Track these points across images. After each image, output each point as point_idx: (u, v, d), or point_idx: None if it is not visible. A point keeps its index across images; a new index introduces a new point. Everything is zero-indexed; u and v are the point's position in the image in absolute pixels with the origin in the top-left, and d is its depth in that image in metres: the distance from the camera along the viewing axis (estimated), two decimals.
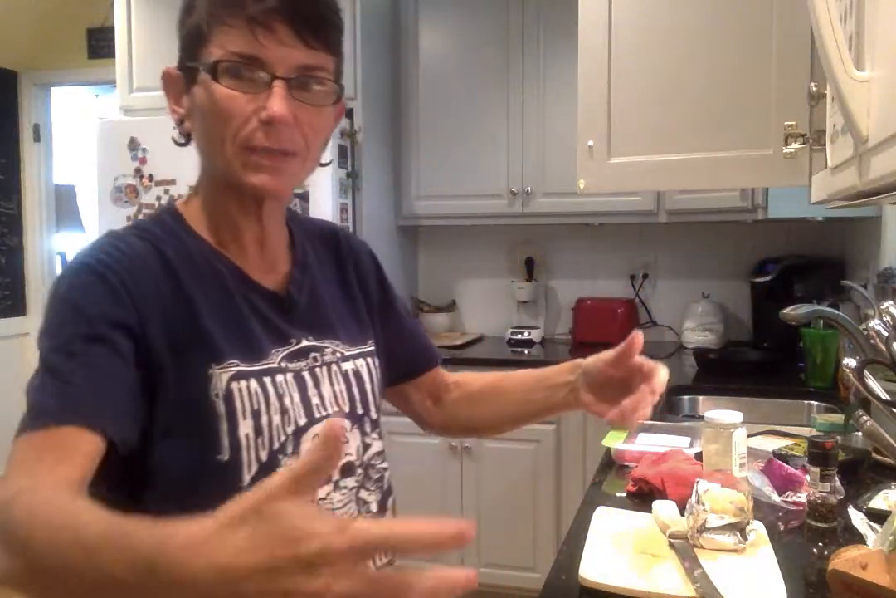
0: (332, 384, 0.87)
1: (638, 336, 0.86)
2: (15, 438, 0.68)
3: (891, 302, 1.14)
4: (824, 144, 1.03)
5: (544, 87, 2.99)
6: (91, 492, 0.78)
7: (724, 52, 1.38)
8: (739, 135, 1.36)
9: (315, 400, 0.85)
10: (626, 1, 1.45)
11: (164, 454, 0.77)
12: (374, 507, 0.89)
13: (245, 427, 0.78)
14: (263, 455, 0.79)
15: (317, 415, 0.84)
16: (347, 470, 0.87)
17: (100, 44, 3.69)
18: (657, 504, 1.14)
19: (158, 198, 2.69)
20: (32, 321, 3.97)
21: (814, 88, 1.17)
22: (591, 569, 0.99)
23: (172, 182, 2.66)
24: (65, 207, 4.46)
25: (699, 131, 1.41)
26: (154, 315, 0.76)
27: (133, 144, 2.72)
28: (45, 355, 0.72)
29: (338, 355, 0.89)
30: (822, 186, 1.04)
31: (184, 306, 0.78)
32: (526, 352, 3.02)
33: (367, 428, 0.90)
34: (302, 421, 0.83)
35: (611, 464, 1.49)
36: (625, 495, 1.31)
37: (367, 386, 0.91)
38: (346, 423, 0.87)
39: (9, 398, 3.81)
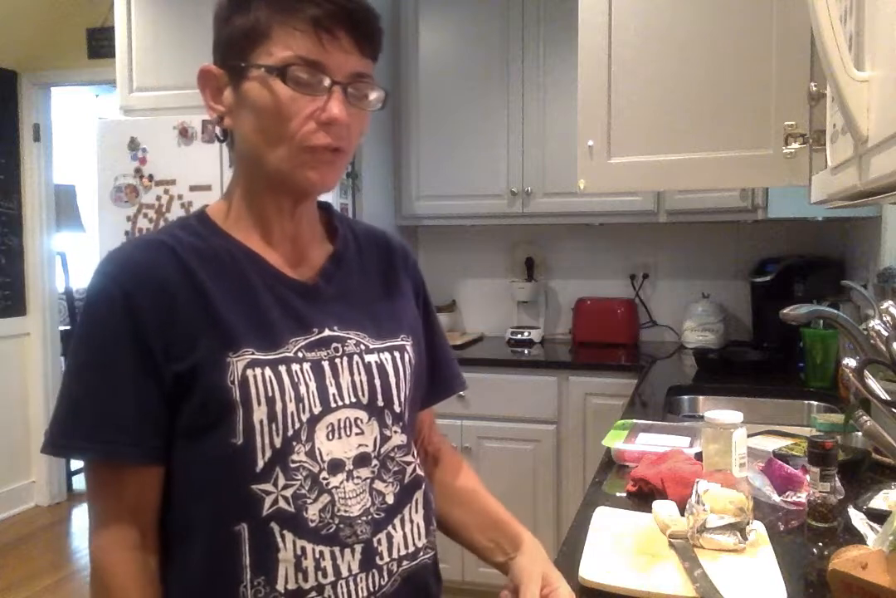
0: (351, 375, 0.88)
1: None
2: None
3: (891, 302, 1.14)
4: (824, 144, 1.03)
5: (544, 86, 2.99)
6: None
7: (724, 52, 1.38)
8: (739, 135, 1.36)
9: (332, 389, 0.86)
10: (626, 1, 1.45)
11: (185, 446, 0.83)
12: (390, 498, 0.89)
13: (259, 413, 0.81)
14: (277, 442, 0.81)
15: (332, 405, 0.86)
16: (362, 461, 0.87)
17: (100, 44, 3.69)
18: (657, 504, 1.14)
19: (158, 198, 2.68)
20: (32, 321, 3.97)
21: (814, 88, 1.17)
22: (591, 569, 0.99)
23: (172, 182, 2.65)
24: (65, 207, 4.46)
25: (699, 131, 1.40)
26: (165, 319, 0.82)
27: (133, 144, 2.72)
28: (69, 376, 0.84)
29: (361, 346, 0.90)
30: (822, 186, 1.04)
31: (198, 300, 0.83)
32: (526, 352, 3.02)
33: (388, 420, 0.90)
34: (317, 410, 0.84)
35: (611, 464, 1.49)
36: (625, 495, 1.31)
37: (392, 379, 0.91)
38: (363, 414, 0.88)
39: (9, 398, 3.85)
